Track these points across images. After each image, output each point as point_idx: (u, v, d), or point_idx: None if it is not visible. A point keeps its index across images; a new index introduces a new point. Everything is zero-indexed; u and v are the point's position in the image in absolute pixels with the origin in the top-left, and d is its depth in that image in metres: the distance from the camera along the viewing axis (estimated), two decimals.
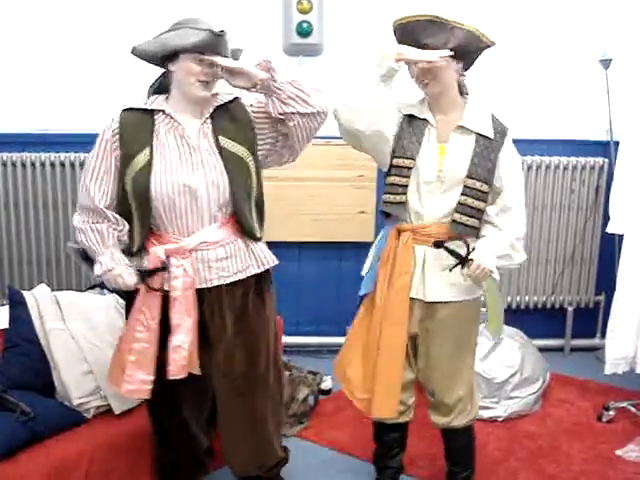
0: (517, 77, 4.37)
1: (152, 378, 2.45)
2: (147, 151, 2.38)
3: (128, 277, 2.38)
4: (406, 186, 2.60)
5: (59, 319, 2.88)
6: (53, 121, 4.24)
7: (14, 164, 4.14)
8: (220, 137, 2.43)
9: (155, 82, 2.54)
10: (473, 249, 2.53)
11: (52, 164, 4.17)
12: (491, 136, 2.57)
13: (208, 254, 2.43)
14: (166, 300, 2.42)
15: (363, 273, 2.85)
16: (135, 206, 2.41)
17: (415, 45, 2.50)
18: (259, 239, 2.55)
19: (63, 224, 4.25)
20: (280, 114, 2.43)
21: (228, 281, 2.46)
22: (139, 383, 2.46)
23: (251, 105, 2.51)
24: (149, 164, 2.37)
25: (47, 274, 4.29)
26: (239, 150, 2.45)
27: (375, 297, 2.68)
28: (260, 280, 2.55)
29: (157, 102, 2.46)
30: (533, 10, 4.32)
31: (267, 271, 2.58)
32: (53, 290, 3.04)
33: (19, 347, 2.82)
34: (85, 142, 4.15)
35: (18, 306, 2.90)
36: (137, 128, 2.42)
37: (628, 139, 3.66)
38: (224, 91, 2.51)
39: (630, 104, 3.81)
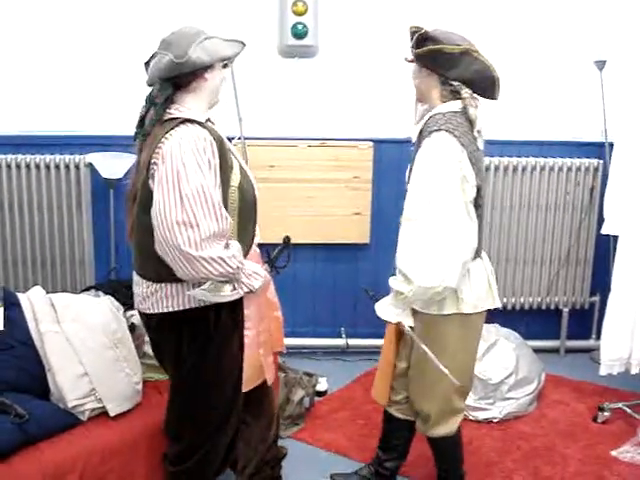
0: (512, 78, 4.36)
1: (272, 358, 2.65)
2: (234, 159, 2.39)
3: (268, 273, 2.49)
4: None
5: (54, 321, 2.87)
6: (47, 123, 4.23)
7: (8, 166, 4.13)
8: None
9: (161, 94, 2.31)
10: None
11: (47, 166, 4.15)
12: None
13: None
14: None
15: None
16: (240, 214, 2.37)
17: None
18: None
19: (58, 226, 4.23)
20: None
21: None
22: (272, 365, 2.63)
23: None
24: (243, 170, 2.41)
25: (42, 276, 4.27)
26: None
27: None
28: None
29: (194, 112, 2.33)
30: (528, 12, 4.33)
31: None
32: (48, 292, 3.04)
33: (13, 349, 2.80)
34: (79, 144, 4.21)
35: (13, 308, 2.89)
36: (217, 137, 2.32)
37: (623, 140, 3.67)
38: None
39: (624, 105, 3.82)
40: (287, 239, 2.48)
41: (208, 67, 2.33)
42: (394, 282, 2.46)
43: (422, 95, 2.62)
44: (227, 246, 2.23)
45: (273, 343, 2.67)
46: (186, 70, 2.28)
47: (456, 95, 2.53)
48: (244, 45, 2.45)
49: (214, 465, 2.62)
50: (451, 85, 2.52)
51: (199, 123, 2.28)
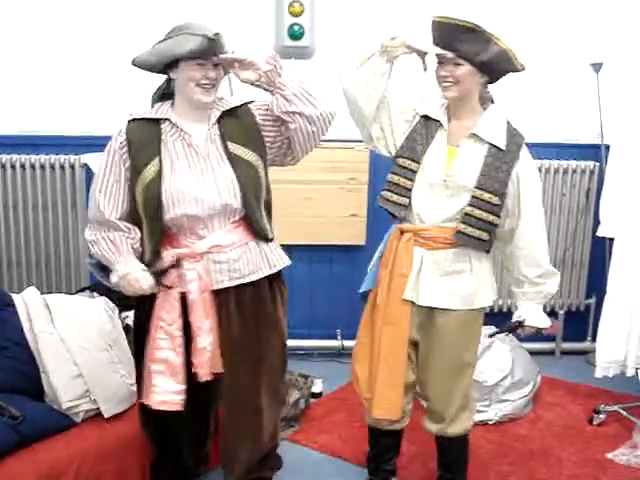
0: (508, 81, 4.37)
1: (184, 388, 2.44)
2: (156, 162, 2.36)
3: (144, 280, 2.36)
4: (410, 189, 2.59)
5: (48, 322, 2.86)
6: (43, 123, 4.22)
7: (3, 166, 4.12)
8: (229, 143, 2.44)
9: (158, 89, 2.53)
10: (517, 323, 2.67)
11: (42, 166, 4.15)
12: (503, 147, 2.52)
13: (220, 256, 2.44)
14: (184, 305, 2.43)
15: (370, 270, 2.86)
16: (145, 217, 2.39)
17: (446, 47, 2.48)
18: (271, 240, 2.58)
19: (52, 226, 4.22)
20: (283, 113, 2.42)
21: (239, 282, 2.48)
22: (170, 394, 2.42)
23: (258, 108, 2.51)
24: (159, 175, 2.36)
25: (36, 277, 4.26)
26: (249, 155, 2.46)
27: (376, 298, 2.68)
28: (272, 281, 2.57)
29: (162, 110, 2.45)
30: (524, 14, 4.33)
31: (279, 273, 2.60)
32: (42, 293, 3.03)
33: (7, 350, 2.79)
34: (75, 144, 4.20)
35: (7, 308, 2.88)
36: (144, 139, 2.39)
37: (619, 143, 3.68)
38: (233, 96, 2.54)
39: (621, 108, 3.82)
40: (173, 262, 2.44)
41: (172, 65, 2.37)
42: (553, 285, 2.66)
43: (464, 97, 2.56)
44: (107, 232, 2.41)
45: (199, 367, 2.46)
46: (147, 70, 2.43)
47: (490, 100, 2.64)
48: (204, 38, 2.32)
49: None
50: (486, 88, 2.61)
51: (132, 120, 2.44)
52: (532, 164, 2.61)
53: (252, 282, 2.49)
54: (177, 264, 2.41)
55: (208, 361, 2.43)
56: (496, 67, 2.50)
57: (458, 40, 2.44)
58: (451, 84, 2.50)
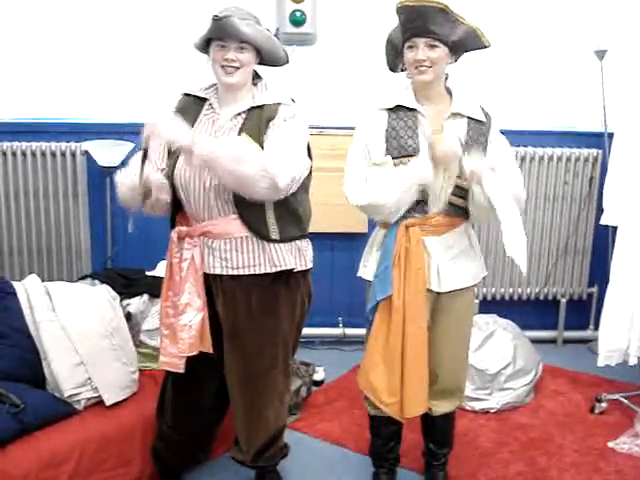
0: (512, 68, 4.35)
1: (185, 354, 2.53)
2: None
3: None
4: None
5: (50, 310, 2.85)
6: (43, 110, 4.21)
7: (4, 153, 4.12)
8: (244, 135, 2.42)
9: None
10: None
11: (42, 153, 4.14)
12: (484, 119, 2.61)
13: (213, 243, 2.48)
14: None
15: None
16: (170, 187, 2.50)
17: (421, 31, 2.47)
18: (275, 241, 2.50)
19: (54, 214, 4.22)
20: None
21: (231, 273, 2.49)
22: (171, 356, 2.54)
23: (278, 118, 2.47)
24: (178, 151, 2.44)
25: (38, 265, 4.26)
26: None
27: (392, 298, 2.60)
28: (275, 280, 2.53)
29: (208, 90, 2.55)
30: (529, 1, 4.30)
31: (289, 272, 2.56)
32: (44, 281, 3.02)
33: (9, 338, 2.79)
34: (75, 131, 4.18)
35: (8, 296, 2.88)
36: (185, 114, 2.48)
37: (622, 130, 3.65)
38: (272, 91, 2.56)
39: (624, 95, 3.80)
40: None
41: (206, 47, 2.47)
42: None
43: (436, 79, 2.56)
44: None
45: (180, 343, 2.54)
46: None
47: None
48: (214, 20, 2.38)
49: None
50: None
51: (185, 94, 2.57)
52: (499, 129, 2.69)
53: (248, 275, 2.48)
54: (180, 239, 2.50)
55: (191, 338, 2.50)
56: (465, 46, 2.55)
57: (432, 23, 2.45)
58: (427, 67, 2.50)
